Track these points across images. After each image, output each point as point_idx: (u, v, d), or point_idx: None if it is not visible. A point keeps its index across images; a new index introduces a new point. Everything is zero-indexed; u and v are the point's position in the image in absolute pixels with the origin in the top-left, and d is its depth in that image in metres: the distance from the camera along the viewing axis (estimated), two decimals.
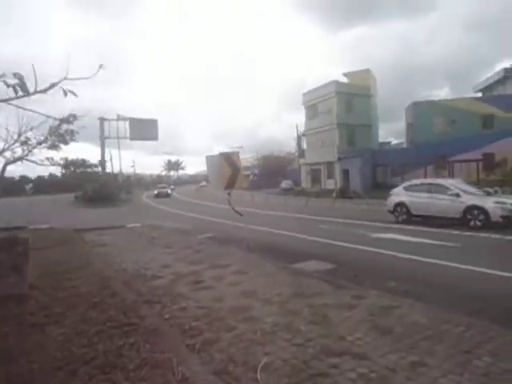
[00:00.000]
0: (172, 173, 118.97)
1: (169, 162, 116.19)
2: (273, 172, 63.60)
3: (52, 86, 4.12)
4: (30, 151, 9.43)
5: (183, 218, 19.70)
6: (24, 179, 75.45)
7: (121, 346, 3.52)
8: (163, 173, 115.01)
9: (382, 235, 11.19)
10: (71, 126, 10.06)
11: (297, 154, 58.99)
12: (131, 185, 54.35)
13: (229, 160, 9.53)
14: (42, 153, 9.86)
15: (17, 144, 8.95)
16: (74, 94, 3.73)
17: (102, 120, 34.46)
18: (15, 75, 3.40)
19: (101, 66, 4.61)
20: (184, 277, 6.59)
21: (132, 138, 36.34)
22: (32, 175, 76.54)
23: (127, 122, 35.45)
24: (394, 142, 53.33)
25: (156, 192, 44.98)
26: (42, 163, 10.01)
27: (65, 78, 4.10)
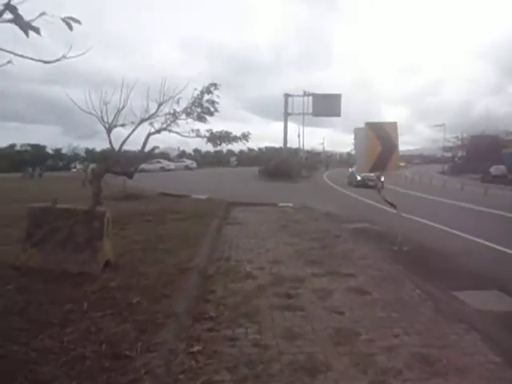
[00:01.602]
0: None
1: None
2: (482, 155, 52.49)
3: None
4: (172, 121, 9.37)
5: (350, 200, 17.68)
6: (230, 152, 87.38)
7: None
8: (353, 151, 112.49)
9: None
10: (212, 97, 9.57)
11: None
12: (315, 162, 54.67)
13: (380, 133, 7.15)
14: (187, 124, 9.72)
15: (160, 114, 8.98)
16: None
17: (287, 96, 34.99)
18: None
19: None
20: (279, 284, 5.00)
21: (315, 114, 35.76)
22: (236, 150, 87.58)
23: (310, 98, 34.98)
24: None
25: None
26: (188, 135, 9.90)
27: None
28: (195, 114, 10.17)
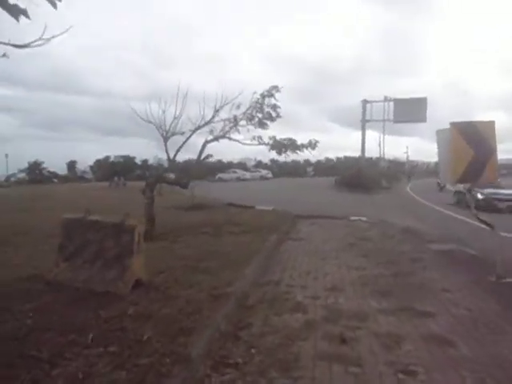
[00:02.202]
0: None
1: None
2: None
3: None
4: (232, 127, 8.84)
5: (433, 214, 15.60)
6: (307, 162, 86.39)
7: None
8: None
9: None
10: (273, 101, 8.84)
11: None
12: (398, 172, 50.92)
13: (471, 134, 5.77)
14: (248, 132, 9.12)
15: (216, 120, 8.52)
16: None
17: (365, 102, 33.01)
18: None
19: None
20: (333, 321, 4.02)
21: (396, 121, 33.15)
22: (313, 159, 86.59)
23: (392, 103, 32.52)
24: None
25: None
26: (251, 143, 9.29)
27: None
28: (256, 119, 9.61)
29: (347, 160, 76.02)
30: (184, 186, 8.94)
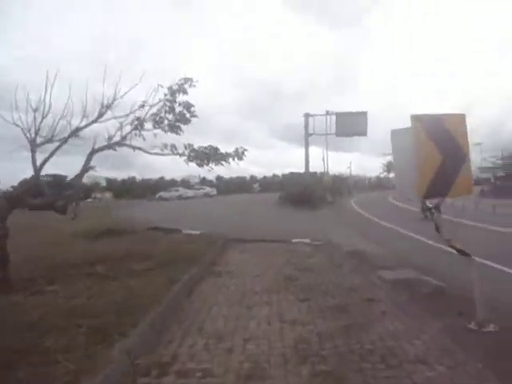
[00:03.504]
0: (392, 175, 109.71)
1: (389, 163, 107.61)
2: None
3: None
4: (131, 133, 6.77)
5: (384, 232, 14.46)
6: (253, 179, 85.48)
7: None
8: (382, 175, 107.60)
9: None
10: (185, 97, 6.94)
11: None
12: (343, 187, 51.13)
13: (436, 133, 4.24)
14: (155, 137, 7.08)
15: (104, 121, 6.40)
16: None
17: (307, 116, 32.34)
18: None
19: None
20: None
21: (338, 134, 32.78)
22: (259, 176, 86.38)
23: (334, 117, 32.14)
24: None
25: None
26: (162, 152, 7.26)
27: None
28: (165, 122, 7.64)
29: (293, 176, 75.99)
30: (60, 210, 6.64)
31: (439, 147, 4.19)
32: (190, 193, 48.35)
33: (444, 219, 4.77)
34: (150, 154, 7.17)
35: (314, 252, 9.11)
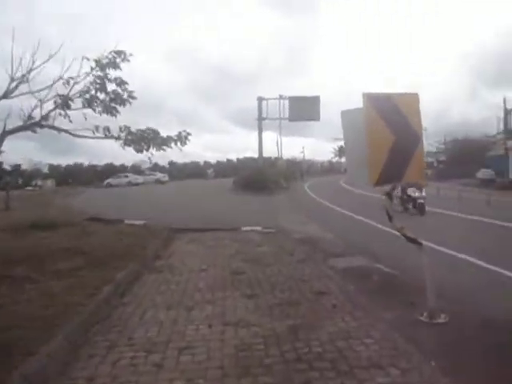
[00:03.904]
0: (343, 159, 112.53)
1: (340, 148, 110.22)
2: (464, 159, 50.39)
3: None
4: (53, 112, 5.88)
5: (336, 216, 14.47)
6: (207, 164, 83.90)
7: None
8: (334, 159, 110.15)
9: None
10: (118, 72, 6.15)
11: (501, 137, 44.44)
12: (296, 171, 51.57)
13: (388, 112, 3.90)
14: (86, 119, 6.23)
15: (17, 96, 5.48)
16: None
17: (260, 99, 31.89)
18: None
19: None
20: None
21: (292, 119, 32.73)
22: (213, 161, 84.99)
23: (287, 102, 31.93)
24: None
25: None
26: (94, 135, 6.43)
27: None
28: (98, 103, 6.76)
29: (247, 160, 75.50)
30: None
31: (391, 127, 3.86)
32: (140, 179, 46.46)
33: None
34: (79, 137, 6.32)
35: (264, 240, 8.74)
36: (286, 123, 38.74)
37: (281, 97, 33.94)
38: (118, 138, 6.76)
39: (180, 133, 7.03)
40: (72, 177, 63.10)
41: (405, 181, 4.05)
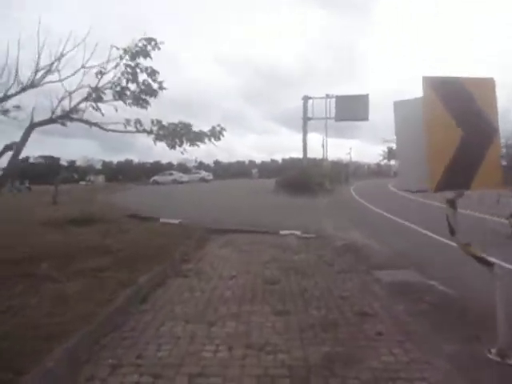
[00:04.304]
0: (393, 162, 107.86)
1: (389, 150, 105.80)
2: None
3: None
4: (83, 103, 5.64)
5: (384, 223, 13.42)
6: (251, 164, 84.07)
7: None
8: (383, 162, 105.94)
9: None
10: (148, 62, 5.80)
11: None
12: (341, 173, 49.87)
13: (455, 101, 3.15)
14: (116, 111, 5.97)
15: (43, 84, 5.26)
16: None
17: (306, 98, 31.01)
18: None
19: None
20: None
21: (338, 119, 31.48)
22: (258, 161, 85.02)
23: (333, 101, 30.79)
24: None
25: None
26: (125, 129, 6.17)
27: None
28: (128, 93, 6.47)
29: (292, 161, 74.58)
30: None
31: (458, 119, 3.11)
32: (185, 177, 47.13)
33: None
34: (108, 131, 6.06)
35: (303, 246, 8.09)
36: (332, 124, 37.62)
37: (327, 96, 32.83)
38: (149, 132, 6.45)
39: (214, 127, 6.59)
40: (122, 173, 65.87)
41: (474, 187, 3.26)
